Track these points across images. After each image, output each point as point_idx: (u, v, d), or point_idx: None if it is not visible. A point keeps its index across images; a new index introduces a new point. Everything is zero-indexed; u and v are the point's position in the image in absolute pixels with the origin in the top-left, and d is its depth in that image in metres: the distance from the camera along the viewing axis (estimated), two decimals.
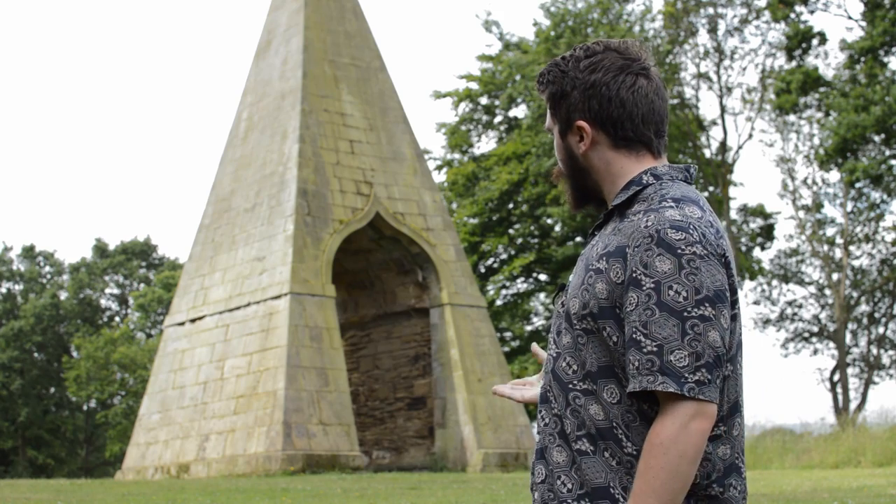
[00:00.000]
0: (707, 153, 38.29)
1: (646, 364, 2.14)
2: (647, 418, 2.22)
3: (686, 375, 2.12)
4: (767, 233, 39.15)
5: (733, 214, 38.47)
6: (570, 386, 2.28)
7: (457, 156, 40.76)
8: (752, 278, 39.32)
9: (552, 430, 2.32)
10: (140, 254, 56.76)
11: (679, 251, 2.16)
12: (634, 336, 2.16)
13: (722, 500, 2.26)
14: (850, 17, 35.28)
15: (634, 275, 2.18)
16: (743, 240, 39.22)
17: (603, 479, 2.23)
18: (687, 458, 2.12)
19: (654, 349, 2.14)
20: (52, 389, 52.32)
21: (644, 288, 2.16)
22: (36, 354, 52.10)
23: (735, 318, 2.27)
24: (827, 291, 39.72)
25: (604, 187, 2.40)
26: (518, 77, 37.07)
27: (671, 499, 2.12)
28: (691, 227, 2.19)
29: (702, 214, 2.24)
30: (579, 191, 2.46)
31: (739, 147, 38.01)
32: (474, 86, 39.34)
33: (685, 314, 2.14)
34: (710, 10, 37.02)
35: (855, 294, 38.70)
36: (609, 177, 2.39)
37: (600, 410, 2.24)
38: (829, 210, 67.01)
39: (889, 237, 38.37)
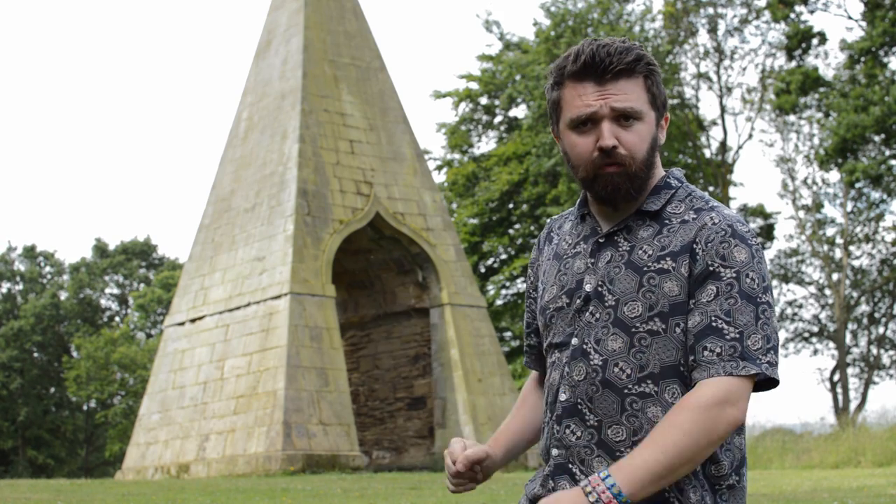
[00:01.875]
0: (707, 153, 38.30)
1: (728, 350, 2.19)
2: None
3: (760, 357, 2.20)
4: (767, 233, 39.16)
5: None
6: (626, 391, 2.26)
7: (457, 156, 40.76)
8: None
9: (587, 442, 2.29)
10: (140, 254, 56.76)
11: (750, 242, 2.26)
12: (714, 324, 2.20)
13: (738, 489, 2.29)
14: (850, 17, 35.30)
15: (711, 267, 2.23)
16: None
17: None
18: (712, 436, 2.15)
19: (737, 335, 2.20)
20: (52, 389, 52.32)
21: (724, 278, 2.22)
22: (36, 354, 52.10)
23: None
24: (827, 291, 39.72)
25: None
26: (518, 77, 37.05)
27: (679, 463, 2.13)
28: (745, 223, 2.30)
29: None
30: (643, 181, 2.35)
31: (739, 147, 38.04)
32: (474, 86, 39.34)
33: (758, 300, 2.22)
34: (710, 10, 37.05)
35: (855, 294, 38.71)
36: (654, 171, 2.39)
37: (660, 412, 2.24)
38: (829, 210, 67.06)
39: (889, 237, 38.39)
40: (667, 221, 2.32)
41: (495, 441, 2.62)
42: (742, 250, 2.24)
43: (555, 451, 2.34)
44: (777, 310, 40.58)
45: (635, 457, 2.14)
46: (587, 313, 2.33)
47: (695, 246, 2.26)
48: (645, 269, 2.28)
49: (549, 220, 2.66)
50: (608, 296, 2.31)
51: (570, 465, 2.30)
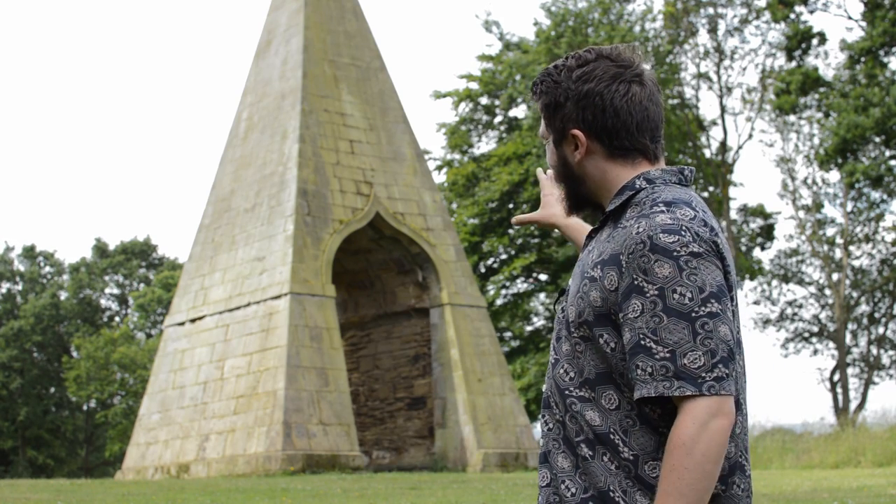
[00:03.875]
0: (707, 153, 38.29)
1: (660, 370, 2.14)
2: (647, 422, 2.22)
3: (703, 375, 2.13)
4: (767, 233, 39.15)
5: (733, 214, 38.47)
6: (567, 392, 2.29)
7: (457, 156, 40.73)
8: (752, 278, 39.30)
9: (556, 435, 2.33)
10: (140, 254, 56.74)
11: (675, 254, 2.17)
12: (643, 343, 2.16)
13: (724, 497, 2.25)
14: (850, 18, 35.30)
15: (635, 282, 2.18)
16: (743, 240, 39.23)
17: (603, 482, 2.23)
18: (710, 457, 2.12)
19: (667, 354, 2.14)
20: (52, 389, 52.30)
21: (648, 295, 2.17)
22: (36, 354, 52.08)
23: (734, 314, 2.28)
24: (827, 291, 39.71)
25: (600, 194, 2.41)
26: (518, 77, 37.04)
27: (698, 498, 2.12)
28: (683, 228, 2.19)
29: (694, 214, 2.24)
30: (574, 197, 2.46)
31: (739, 147, 38.03)
32: (474, 86, 39.31)
33: (693, 314, 2.15)
34: (710, 10, 37.04)
35: (855, 294, 38.70)
36: (605, 185, 2.39)
37: (597, 416, 2.25)
38: (829, 210, 67.05)
39: (889, 237, 38.39)
40: (619, 226, 2.30)
41: (581, 229, 2.84)
42: (664, 265, 2.16)
43: (541, 441, 2.41)
44: (777, 310, 40.65)
45: None
46: (560, 307, 2.40)
47: (621, 257, 2.23)
48: (585, 274, 2.30)
49: None
50: (567, 295, 2.37)
51: (548, 455, 2.35)
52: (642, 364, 2.16)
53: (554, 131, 2.42)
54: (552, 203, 2.87)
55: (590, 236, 2.42)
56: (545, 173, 2.92)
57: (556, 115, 2.40)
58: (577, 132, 2.36)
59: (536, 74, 2.52)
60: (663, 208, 2.24)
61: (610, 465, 2.23)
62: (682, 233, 2.18)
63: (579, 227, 2.83)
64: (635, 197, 2.32)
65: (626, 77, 2.36)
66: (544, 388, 2.40)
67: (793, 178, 38.56)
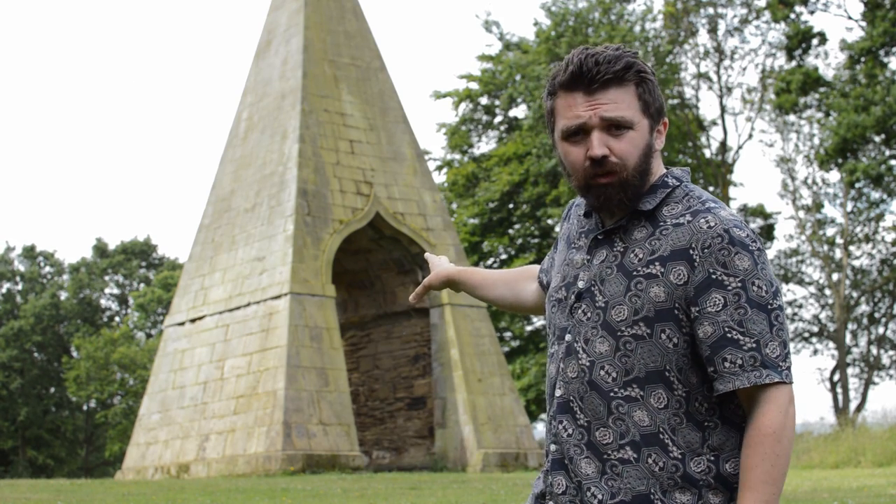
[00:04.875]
0: (707, 153, 38.31)
1: (749, 361, 2.20)
2: (693, 419, 2.25)
3: (780, 364, 2.21)
4: (767, 233, 39.15)
5: None
6: (612, 394, 2.28)
7: (457, 156, 40.74)
8: None
9: (577, 441, 2.31)
10: (140, 254, 56.74)
11: (750, 248, 2.23)
12: (729, 335, 2.20)
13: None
14: (850, 18, 35.30)
15: (713, 276, 2.21)
16: None
17: (644, 486, 2.24)
18: (792, 442, 2.23)
19: (754, 345, 2.20)
20: (52, 389, 52.30)
21: (730, 288, 2.21)
22: (36, 354, 52.08)
23: None
24: (827, 291, 39.72)
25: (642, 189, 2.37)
26: (518, 77, 37.04)
27: (783, 483, 2.23)
28: (744, 224, 2.26)
29: (735, 212, 2.31)
30: (638, 189, 2.33)
31: (739, 147, 38.05)
32: (474, 86, 39.31)
33: (769, 307, 2.22)
34: (710, 10, 37.05)
35: (855, 294, 38.70)
36: (649, 178, 2.36)
37: (645, 416, 2.25)
38: (829, 210, 67.04)
39: (889, 237, 38.38)
40: (661, 223, 2.29)
41: (466, 272, 2.84)
42: (744, 258, 2.21)
43: (553, 447, 2.37)
44: None
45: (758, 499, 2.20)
46: (579, 311, 2.35)
47: (691, 252, 2.23)
48: (634, 273, 2.28)
49: (572, 200, 2.66)
50: (598, 296, 2.32)
51: (565, 461, 2.33)
52: (731, 356, 2.21)
53: (651, 115, 2.34)
54: (437, 264, 2.88)
55: (597, 239, 2.38)
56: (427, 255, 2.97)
57: (657, 100, 2.35)
58: (666, 121, 2.39)
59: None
60: (717, 205, 2.30)
61: (654, 467, 2.24)
62: (747, 228, 2.26)
63: (473, 271, 2.83)
64: (672, 194, 2.34)
65: None
66: (558, 392, 2.36)
67: (793, 178, 38.56)
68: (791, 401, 2.21)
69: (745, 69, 37.83)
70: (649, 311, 2.25)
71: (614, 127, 2.29)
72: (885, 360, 39.50)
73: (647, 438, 2.24)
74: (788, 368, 2.22)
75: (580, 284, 2.37)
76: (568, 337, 2.36)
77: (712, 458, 2.25)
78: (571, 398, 2.33)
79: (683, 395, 2.25)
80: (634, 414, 2.25)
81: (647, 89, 2.32)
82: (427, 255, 2.96)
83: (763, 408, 2.20)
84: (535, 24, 37.33)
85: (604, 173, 2.29)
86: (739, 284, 2.20)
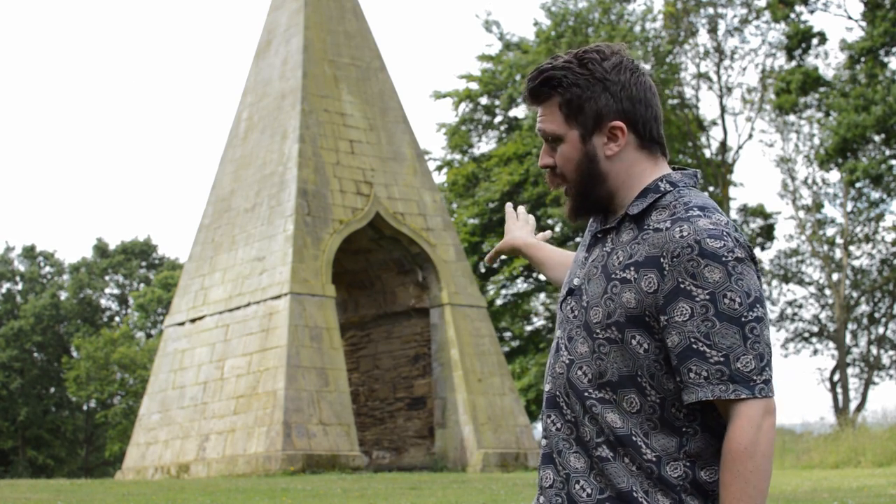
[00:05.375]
0: (707, 153, 38.31)
1: (715, 374, 2.17)
2: (668, 424, 2.24)
3: (754, 378, 2.17)
4: (767, 233, 39.15)
5: (733, 214, 38.46)
6: (587, 394, 2.29)
7: (457, 156, 40.74)
8: None
9: (566, 435, 2.32)
10: (140, 254, 56.75)
11: (724, 259, 2.18)
12: (695, 346, 2.18)
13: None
14: (850, 17, 35.31)
15: (682, 285, 2.18)
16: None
17: (626, 483, 2.24)
18: (768, 456, 2.18)
19: (721, 359, 2.17)
20: (52, 389, 52.31)
21: (698, 299, 2.17)
22: (36, 354, 52.09)
23: None
24: (827, 291, 39.71)
25: (618, 193, 2.36)
26: (518, 77, 37.05)
27: (763, 498, 2.18)
28: (724, 233, 2.20)
29: (727, 220, 2.26)
30: (586, 199, 2.40)
31: (739, 147, 38.05)
32: (474, 86, 39.32)
33: (743, 319, 2.17)
34: (710, 10, 37.06)
35: (855, 294, 38.69)
36: (628, 180, 2.35)
37: (618, 419, 2.25)
38: (829, 210, 67.02)
39: (889, 237, 38.38)
40: (646, 227, 2.28)
41: (534, 248, 2.91)
42: (714, 270, 2.17)
43: (543, 441, 2.38)
44: (777, 310, 40.62)
45: None
46: (567, 308, 2.37)
47: (662, 260, 2.21)
48: (612, 276, 2.28)
49: None
50: (584, 295, 2.33)
51: (553, 455, 2.33)
52: (696, 368, 2.18)
53: (582, 125, 2.34)
54: (512, 229, 2.94)
55: (596, 237, 2.41)
56: (514, 209, 3.02)
57: (587, 107, 2.33)
58: (618, 123, 2.33)
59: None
60: (700, 213, 2.25)
61: (631, 466, 2.24)
62: (726, 238, 2.20)
63: (542, 246, 2.89)
64: (661, 199, 2.32)
65: (640, 70, 2.37)
66: (547, 387, 2.38)
67: (793, 178, 38.56)
68: (766, 414, 2.16)
69: (745, 69, 37.85)
70: (621, 315, 2.24)
71: (552, 140, 2.37)
72: (885, 360, 39.50)
73: (621, 440, 2.24)
74: (766, 382, 2.17)
75: (574, 281, 2.39)
76: (558, 332, 2.39)
77: (688, 464, 2.23)
78: (558, 393, 2.34)
79: (657, 400, 2.24)
80: (608, 415, 2.25)
81: (569, 99, 2.33)
82: (507, 206, 3.00)
83: (734, 423, 2.17)
84: (535, 24, 37.35)
85: (557, 184, 2.43)
86: (708, 297, 2.16)
